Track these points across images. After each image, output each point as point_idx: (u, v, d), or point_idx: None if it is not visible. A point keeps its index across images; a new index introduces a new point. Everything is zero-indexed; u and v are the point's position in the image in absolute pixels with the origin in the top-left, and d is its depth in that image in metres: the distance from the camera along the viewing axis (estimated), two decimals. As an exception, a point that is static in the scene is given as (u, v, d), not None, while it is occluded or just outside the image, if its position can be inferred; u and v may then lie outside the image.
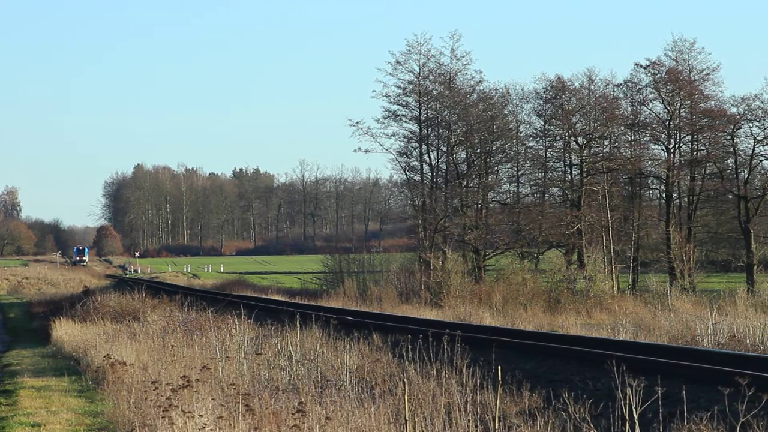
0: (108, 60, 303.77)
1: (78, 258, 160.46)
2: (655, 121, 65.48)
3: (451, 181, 66.02)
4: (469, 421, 14.44)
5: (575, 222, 61.66)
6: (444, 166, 67.10)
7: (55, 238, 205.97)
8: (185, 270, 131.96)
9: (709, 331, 27.49)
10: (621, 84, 66.80)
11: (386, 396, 16.95)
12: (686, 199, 66.27)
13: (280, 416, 14.92)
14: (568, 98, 66.28)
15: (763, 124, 61.90)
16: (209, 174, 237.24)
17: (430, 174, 67.24)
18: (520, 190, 70.81)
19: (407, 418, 13.08)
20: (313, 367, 21.47)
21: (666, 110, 64.74)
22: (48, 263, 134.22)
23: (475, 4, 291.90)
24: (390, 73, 66.00)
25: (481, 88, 67.34)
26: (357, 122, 64.97)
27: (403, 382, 14.21)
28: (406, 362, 20.35)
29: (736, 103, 62.67)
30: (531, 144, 69.50)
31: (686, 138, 65.24)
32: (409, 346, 20.72)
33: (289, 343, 23.13)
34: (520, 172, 69.82)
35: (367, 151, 66.62)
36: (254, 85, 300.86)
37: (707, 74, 64.91)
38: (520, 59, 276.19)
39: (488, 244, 64.72)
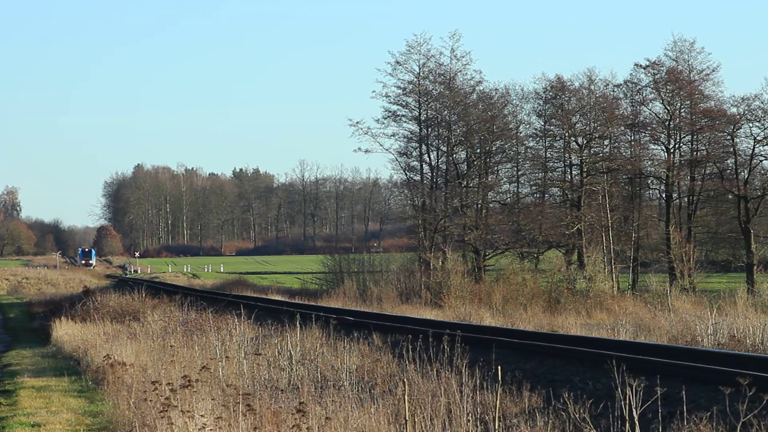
0: (108, 60, 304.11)
1: (84, 261, 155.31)
2: (655, 121, 65.47)
3: (451, 181, 66.02)
4: (469, 421, 14.44)
5: (575, 222, 61.66)
6: (444, 166, 67.12)
7: (55, 238, 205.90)
8: (185, 270, 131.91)
9: (709, 331, 27.47)
10: (621, 84, 66.89)
11: (386, 396, 16.96)
12: (686, 199, 66.26)
13: (280, 416, 14.91)
14: (568, 98, 66.28)
15: (763, 124, 61.90)
16: (209, 174, 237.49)
17: (430, 174, 67.29)
18: (520, 190, 70.87)
19: (407, 418, 13.08)
20: (313, 367, 21.46)
21: (666, 110, 64.73)
22: (48, 266, 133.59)
23: (475, 4, 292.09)
24: (390, 74, 66.16)
25: (481, 88, 67.47)
26: (357, 122, 65.16)
27: (403, 382, 14.20)
28: (406, 362, 20.34)
29: (736, 103, 62.71)
30: (531, 144, 69.60)
31: (686, 138, 65.24)
32: (409, 346, 20.71)
33: (289, 343, 23.12)
34: (520, 172, 69.88)
35: (367, 151, 66.76)
36: (254, 85, 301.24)
37: (707, 74, 64.97)
38: (520, 59, 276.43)
39: (488, 244, 64.71)
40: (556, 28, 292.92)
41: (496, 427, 13.21)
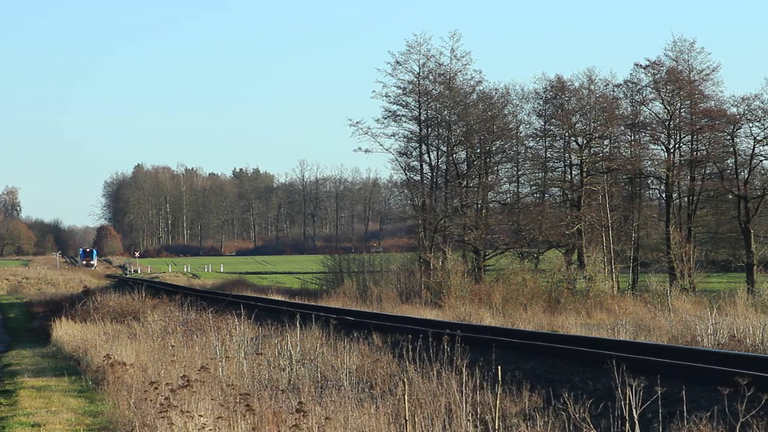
0: (108, 60, 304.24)
1: (85, 261, 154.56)
2: (655, 121, 65.46)
3: (451, 181, 66.01)
4: (469, 421, 14.44)
5: (575, 222, 61.65)
6: (444, 166, 67.11)
7: (55, 238, 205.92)
8: (185, 270, 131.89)
9: (709, 331, 27.48)
10: (621, 84, 66.86)
11: (386, 396, 16.95)
12: (686, 199, 66.24)
13: (280, 416, 14.91)
14: (568, 98, 66.28)
15: (763, 124, 61.88)
16: (209, 174, 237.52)
17: (430, 174, 67.28)
18: (520, 190, 70.83)
19: (407, 418, 13.08)
20: (313, 367, 21.46)
21: (666, 110, 64.72)
22: (48, 266, 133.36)
23: (475, 4, 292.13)
24: (390, 74, 66.14)
25: (481, 88, 67.44)
26: (357, 122, 65.12)
27: (403, 382, 14.20)
28: (406, 362, 20.34)
29: (736, 103, 62.68)
30: (531, 144, 69.56)
31: (686, 138, 65.22)
32: (409, 346, 20.71)
33: (289, 343, 23.12)
34: (520, 172, 69.85)
35: (367, 151, 66.72)
36: (254, 85, 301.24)
37: (707, 74, 64.92)
38: (520, 59, 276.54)
39: (488, 244, 64.70)
40: (556, 28, 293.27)
41: (496, 427, 13.21)
